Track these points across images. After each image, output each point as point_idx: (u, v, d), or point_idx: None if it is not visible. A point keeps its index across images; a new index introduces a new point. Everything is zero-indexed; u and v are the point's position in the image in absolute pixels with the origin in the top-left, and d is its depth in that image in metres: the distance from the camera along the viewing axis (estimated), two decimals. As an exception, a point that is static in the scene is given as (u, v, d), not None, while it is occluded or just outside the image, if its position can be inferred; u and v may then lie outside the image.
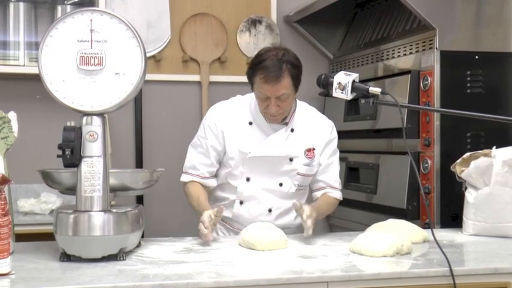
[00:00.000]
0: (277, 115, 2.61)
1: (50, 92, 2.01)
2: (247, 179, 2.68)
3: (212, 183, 2.74)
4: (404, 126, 2.88)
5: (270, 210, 2.70)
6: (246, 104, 2.73)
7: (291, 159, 2.68)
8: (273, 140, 2.67)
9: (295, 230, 2.72)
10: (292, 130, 2.70)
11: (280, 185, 2.69)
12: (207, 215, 2.42)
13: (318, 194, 2.78)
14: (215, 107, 2.78)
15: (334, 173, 2.77)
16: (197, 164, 2.71)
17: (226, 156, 2.70)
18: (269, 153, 2.65)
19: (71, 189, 2.08)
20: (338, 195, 2.79)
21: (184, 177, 2.75)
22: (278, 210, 2.71)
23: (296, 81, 2.57)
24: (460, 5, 3.15)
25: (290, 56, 2.56)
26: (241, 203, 2.71)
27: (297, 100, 2.75)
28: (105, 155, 2.02)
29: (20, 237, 2.32)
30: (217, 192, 2.79)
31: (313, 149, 2.70)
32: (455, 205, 2.74)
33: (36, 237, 2.53)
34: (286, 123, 2.69)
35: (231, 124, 2.69)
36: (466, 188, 2.61)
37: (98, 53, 2.01)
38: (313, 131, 2.73)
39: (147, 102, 4.09)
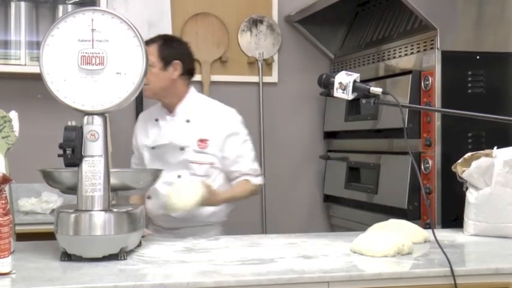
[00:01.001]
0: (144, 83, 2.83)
1: (51, 92, 2.01)
2: None
3: None
4: (406, 126, 2.86)
5: None
6: (160, 104, 2.94)
7: (182, 149, 2.79)
8: (163, 130, 2.86)
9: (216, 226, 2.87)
10: (188, 121, 2.84)
11: (179, 177, 2.79)
12: None
13: (234, 183, 2.88)
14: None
15: (246, 163, 2.86)
16: (132, 164, 3.07)
17: (141, 154, 2.93)
18: (159, 142, 2.84)
19: (72, 189, 2.08)
20: (254, 180, 2.87)
21: None
22: None
23: (164, 55, 2.79)
24: (461, 5, 3.14)
25: (172, 39, 2.94)
26: (148, 197, 2.88)
27: (199, 94, 2.99)
28: (106, 154, 2.02)
29: (21, 237, 2.32)
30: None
31: (207, 140, 2.80)
32: (456, 205, 2.73)
33: (37, 237, 2.53)
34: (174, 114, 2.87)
35: (143, 124, 2.96)
36: (467, 188, 2.61)
37: (99, 53, 2.01)
38: (211, 123, 2.84)
39: (148, 102, 4.08)
